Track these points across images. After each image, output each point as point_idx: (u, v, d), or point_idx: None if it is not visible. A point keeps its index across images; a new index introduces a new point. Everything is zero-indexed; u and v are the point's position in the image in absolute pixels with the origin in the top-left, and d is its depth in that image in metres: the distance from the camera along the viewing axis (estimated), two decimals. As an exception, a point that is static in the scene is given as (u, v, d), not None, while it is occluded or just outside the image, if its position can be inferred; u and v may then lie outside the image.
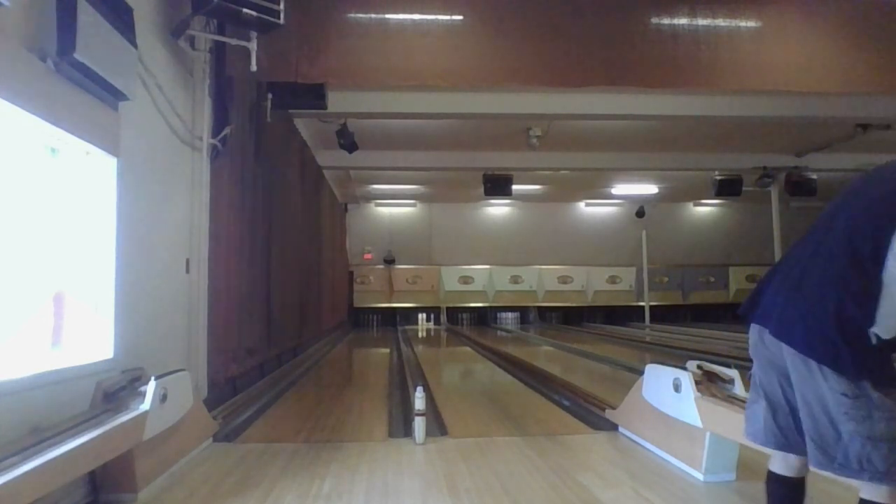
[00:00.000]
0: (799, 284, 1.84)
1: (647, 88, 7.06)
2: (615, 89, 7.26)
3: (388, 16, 6.39)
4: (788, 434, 1.90)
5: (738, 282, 19.26)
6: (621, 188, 16.33)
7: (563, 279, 18.80)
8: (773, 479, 2.02)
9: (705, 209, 19.51)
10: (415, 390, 4.11)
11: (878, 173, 1.96)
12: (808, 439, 1.79)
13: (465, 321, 18.75)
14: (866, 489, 1.71)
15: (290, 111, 7.75)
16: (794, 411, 1.87)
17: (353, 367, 10.09)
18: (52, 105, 2.83)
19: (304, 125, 9.48)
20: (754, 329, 1.99)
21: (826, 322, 1.74)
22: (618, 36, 6.55)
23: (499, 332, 16.26)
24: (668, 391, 3.46)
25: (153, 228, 4.08)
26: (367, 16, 6.38)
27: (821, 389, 1.74)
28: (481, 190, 12.48)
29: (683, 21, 6.64)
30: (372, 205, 18.49)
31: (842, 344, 1.71)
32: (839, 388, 1.71)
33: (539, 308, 18.95)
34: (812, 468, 1.82)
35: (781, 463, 1.98)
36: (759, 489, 3.07)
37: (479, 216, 18.88)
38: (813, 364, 1.74)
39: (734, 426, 2.98)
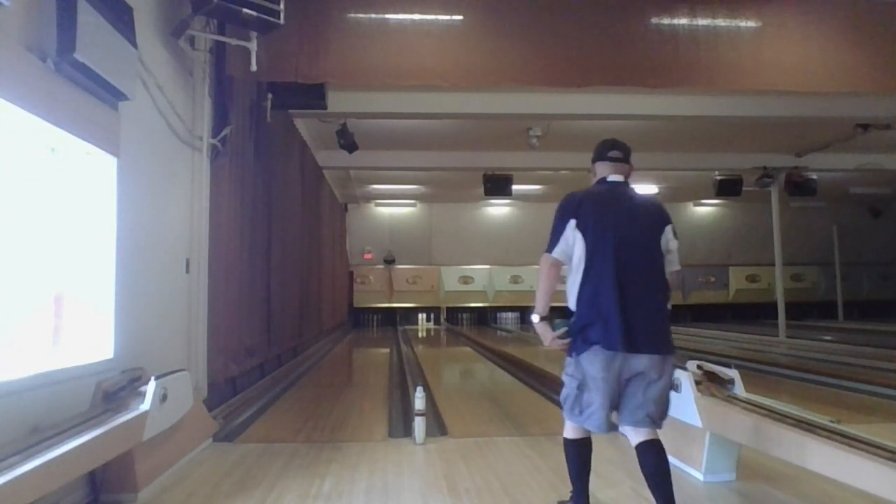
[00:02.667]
0: (648, 307, 2.48)
1: (647, 88, 7.04)
2: (615, 89, 7.25)
3: (388, 16, 6.38)
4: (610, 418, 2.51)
5: (738, 282, 19.27)
6: (621, 188, 16.30)
7: (564, 279, 18.75)
8: (580, 443, 2.71)
9: (705, 209, 19.50)
10: (415, 390, 4.11)
11: (633, 204, 2.67)
12: (649, 413, 2.45)
13: (464, 321, 18.75)
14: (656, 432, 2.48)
15: (290, 111, 7.75)
16: (612, 402, 2.50)
17: (353, 367, 10.09)
18: (52, 105, 2.83)
19: (304, 125, 9.47)
20: (616, 354, 2.43)
21: (668, 325, 2.53)
22: (618, 36, 6.54)
23: (499, 332, 16.26)
24: (668, 391, 3.45)
25: (153, 228, 4.08)
26: (367, 16, 6.36)
27: (670, 373, 2.49)
28: (481, 190, 12.46)
29: (683, 21, 6.63)
30: (372, 205, 18.48)
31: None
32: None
33: (539, 308, 18.92)
34: (648, 432, 2.48)
35: (580, 432, 2.70)
36: (759, 489, 3.08)
37: (479, 216, 18.87)
38: (668, 358, 2.46)
39: (734, 426, 2.98)
